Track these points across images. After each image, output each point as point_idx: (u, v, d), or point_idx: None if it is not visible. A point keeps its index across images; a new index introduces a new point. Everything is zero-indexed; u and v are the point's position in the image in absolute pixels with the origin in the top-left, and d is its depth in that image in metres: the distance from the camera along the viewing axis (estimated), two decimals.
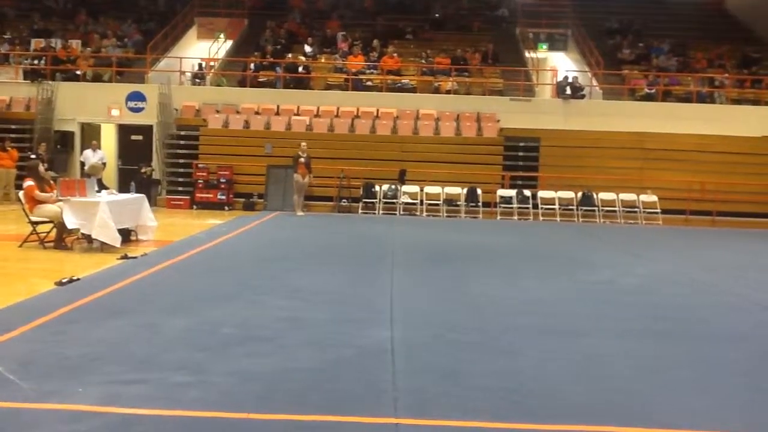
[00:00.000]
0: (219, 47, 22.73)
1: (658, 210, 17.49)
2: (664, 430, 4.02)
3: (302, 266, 9.32)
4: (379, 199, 17.55)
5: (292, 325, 6.05)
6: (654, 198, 17.64)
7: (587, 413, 4.21)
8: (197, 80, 21.09)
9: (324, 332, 5.86)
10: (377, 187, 17.66)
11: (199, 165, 18.02)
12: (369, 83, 20.46)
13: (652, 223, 17.36)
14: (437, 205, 17.57)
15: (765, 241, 14.79)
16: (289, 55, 21.43)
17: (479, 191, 17.65)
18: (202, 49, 22.61)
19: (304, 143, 16.65)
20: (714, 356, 5.65)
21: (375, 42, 21.88)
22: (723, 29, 24.55)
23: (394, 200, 17.52)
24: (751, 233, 16.10)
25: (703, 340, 6.16)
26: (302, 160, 16.27)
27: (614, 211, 17.66)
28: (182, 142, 18.90)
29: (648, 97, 20.16)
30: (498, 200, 17.69)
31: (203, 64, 21.48)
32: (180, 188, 18.37)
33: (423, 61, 21.42)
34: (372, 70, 20.89)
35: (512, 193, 17.79)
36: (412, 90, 20.31)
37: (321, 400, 4.24)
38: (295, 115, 19.49)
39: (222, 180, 17.72)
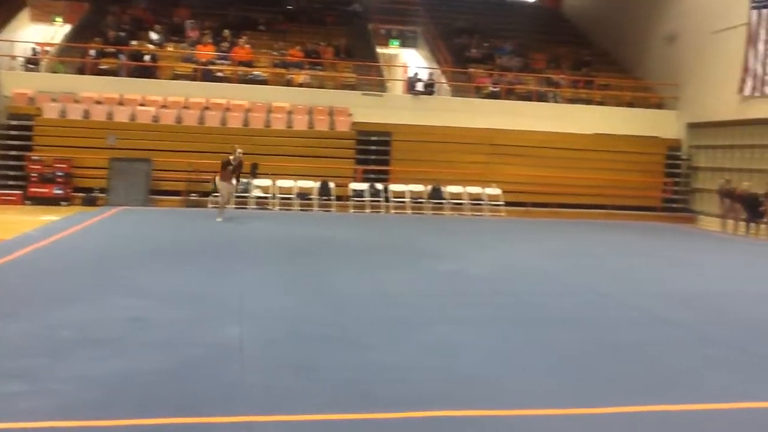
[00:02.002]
0: (56, 31, 21.25)
1: (502, 202, 18.40)
2: (509, 411, 4.25)
3: (148, 264, 8.95)
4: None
5: (136, 326, 5.81)
6: (498, 191, 18.54)
7: (438, 399, 4.36)
8: (31, 66, 19.57)
9: (171, 332, 5.67)
10: None
11: (33, 157, 16.77)
12: (219, 74, 19.92)
13: (496, 215, 18.22)
14: (290, 198, 17.46)
15: (598, 230, 15.96)
16: (134, 43, 20.43)
17: (332, 185, 17.74)
18: (36, 32, 21.04)
19: (240, 149, 14.43)
20: (554, 339, 6.06)
21: (226, 32, 21.33)
22: (560, 32, 26.17)
23: (246, 194, 17.21)
24: (586, 223, 17.33)
25: (545, 325, 6.57)
26: (230, 167, 14.26)
27: (461, 204, 18.37)
28: (14, 132, 17.49)
29: (493, 95, 21.11)
30: (351, 194, 17.87)
31: (38, 49, 19.99)
32: (11, 182, 16.94)
33: (275, 54, 21.16)
34: (223, 61, 20.36)
35: (364, 186, 18.03)
36: (264, 82, 20.02)
37: (168, 402, 4.11)
38: (140, 105, 18.62)
39: (59, 173, 16.58)
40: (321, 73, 20.89)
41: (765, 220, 16.11)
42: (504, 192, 18.57)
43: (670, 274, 10.29)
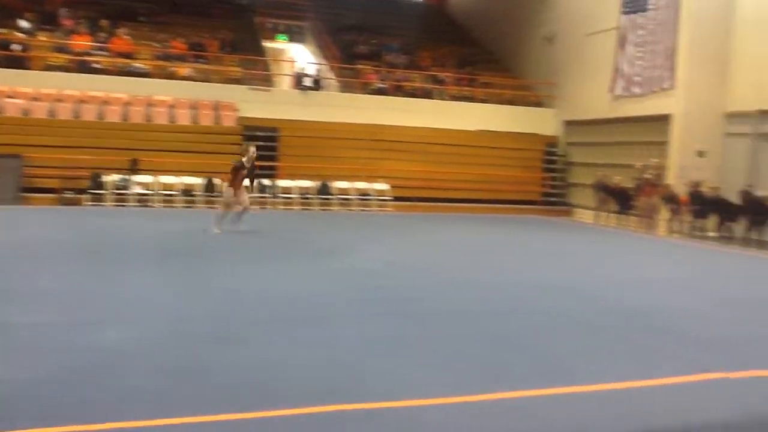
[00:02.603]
0: None
1: (390, 197, 18.61)
2: (399, 402, 4.32)
3: (17, 266, 8.44)
4: (109, 191, 16.46)
5: (7, 332, 5.45)
6: (386, 186, 18.75)
7: (328, 394, 4.39)
8: None
9: (45, 337, 5.39)
10: (106, 178, 16.54)
11: None
12: (97, 66, 19.02)
13: (384, 210, 18.41)
14: (173, 195, 16.94)
15: (481, 223, 16.43)
16: (2, 31, 19.15)
17: (217, 181, 17.33)
18: None
19: (253, 147, 12.71)
20: (442, 331, 6.21)
21: (104, 22, 20.38)
22: (445, 31, 26.73)
23: (126, 191, 16.55)
24: (470, 217, 17.82)
25: (433, 317, 6.72)
26: (244, 171, 12.42)
27: (349, 199, 18.44)
28: None
29: (380, 92, 21.30)
30: None
31: None
32: None
33: (157, 45, 20.43)
34: (100, 52, 19.44)
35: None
36: (145, 75, 19.29)
37: (38, 411, 3.89)
38: (8, 97, 17.49)
39: None
40: (206, 66, 20.35)
41: (634, 211, 17.14)
42: (392, 187, 18.79)
43: (549, 265, 10.75)
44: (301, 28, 25.45)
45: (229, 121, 19.00)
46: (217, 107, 19.12)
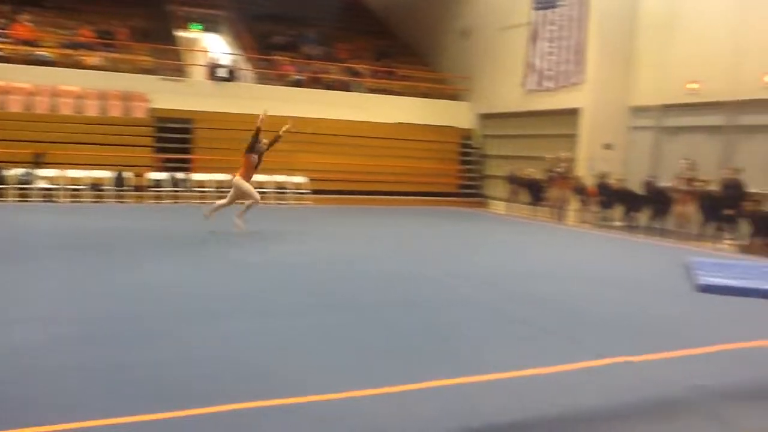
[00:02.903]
0: None
1: (308, 190, 18.50)
2: (317, 396, 4.30)
3: None
4: (11, 185, 15.69)
5: None
6: (304, 179, 18.61)
7: (240, 392, 4.31)
8: None
9: None
10: (8, 172, 15.75)
11: None
12: None
13: (302, 203, 18.29)
14: (81, 190, 16.31)
15: (400, 215, 16.56)
16: None
17: (128, 174, 16.80)
18: None
19: (266, 140, 12.29)
20: (359, 324, 6.23)
21: (4, 7, 19.38)
22: (363, 23, 26.70)
23: (30, 186, 15.81)
24: (388, 209, 17.92)
25: (350, 310, 6.74)
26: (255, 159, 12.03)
27: (266, 193, 18.20)
28: None
29: (297, 83, 21.10)
30: (149, 184, 17.05)
31: None
32: None
33: (63, 33, 19.56)
34: (0, 39, 18.47)
35: (164, 176, 17.29)
36: (51, 63, 18.46)
37: None
38: None
39: None
40: (115, 55, 19.64)
41: (545, 202, 17.65)
42: (310, 180, 18.68)
43: (464, 256, 10.93)
44: (216, 17, 24.88)
45: (139, 113, 18.43)
46: (126, 98, 18.50)
